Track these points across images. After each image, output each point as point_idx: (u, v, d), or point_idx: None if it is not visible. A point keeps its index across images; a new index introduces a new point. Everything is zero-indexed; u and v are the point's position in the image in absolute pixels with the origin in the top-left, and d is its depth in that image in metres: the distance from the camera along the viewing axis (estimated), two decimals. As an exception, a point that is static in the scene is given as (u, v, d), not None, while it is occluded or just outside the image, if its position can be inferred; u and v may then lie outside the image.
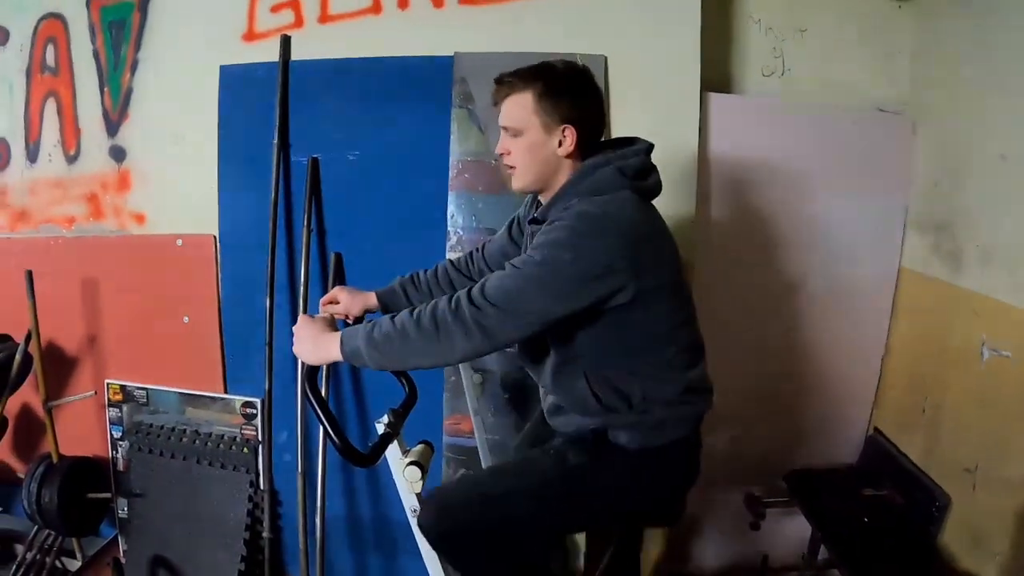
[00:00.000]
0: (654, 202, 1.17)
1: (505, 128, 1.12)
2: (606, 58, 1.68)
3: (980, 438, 1.58)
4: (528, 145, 1.10)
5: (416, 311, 1.02)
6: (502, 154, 1.14)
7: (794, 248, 1.93)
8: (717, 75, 1.87)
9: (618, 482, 1.15)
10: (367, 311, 1.35)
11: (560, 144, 1.09)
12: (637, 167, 1.10)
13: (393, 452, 1.23)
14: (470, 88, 1.68)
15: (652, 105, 1.71)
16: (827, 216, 1.91)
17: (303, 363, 1.14)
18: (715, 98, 1.80)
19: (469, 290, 1.01)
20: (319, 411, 1.08)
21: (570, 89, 1.09)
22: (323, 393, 1.75)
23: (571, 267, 0.99)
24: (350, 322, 1.35)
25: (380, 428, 1.19)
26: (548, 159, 1.10)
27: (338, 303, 1.34)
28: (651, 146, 1.17)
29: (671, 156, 1.69)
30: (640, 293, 1.03)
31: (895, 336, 1.98)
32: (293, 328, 1.14)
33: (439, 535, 1.14)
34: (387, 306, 1.35)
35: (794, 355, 1.99)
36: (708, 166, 1.82)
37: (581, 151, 1.12)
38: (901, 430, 1.91)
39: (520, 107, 1.09)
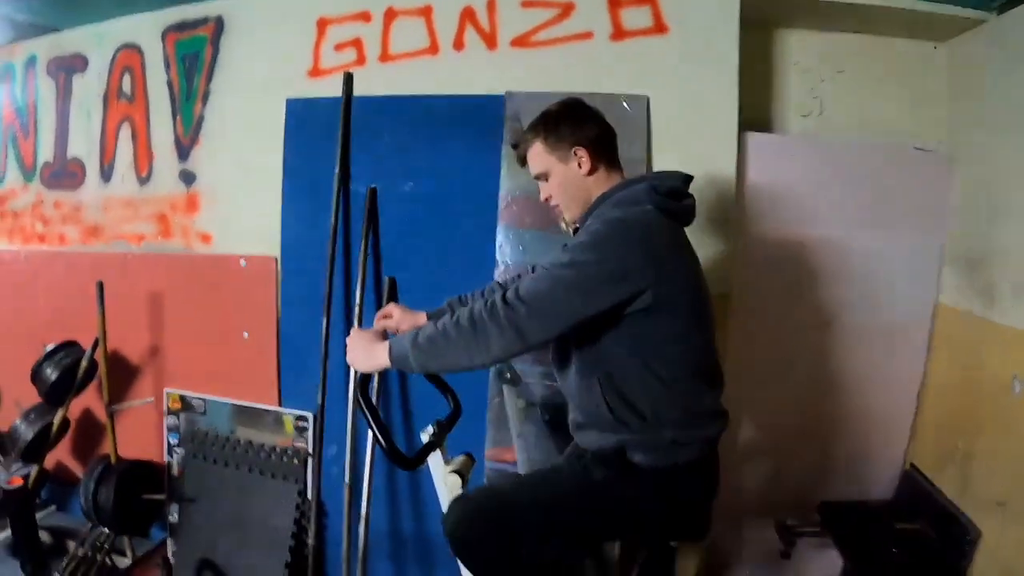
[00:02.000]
0: (689, 232, 1.29)
1: (537, 177, 1.30)
2: (648, 98, 1.82)
3: (1012, 471, 1.62)
4: (558, 181, 1.27)
5: (456, 315, 1.13)
6: (547, 200, 1.31)
7: (830, 282, 2.01)
8: (757, 115, 2.00)
9: (636, 498, 1.21)
10: (415, 328, 1.50)
11: (580, 166, 1.25)
12: (671, 188, 1.23)
13: (436, 461, 1.35)
14: (524, 126, 1.84)
15: (691, 143, 1.83)
16: (863, 251, 2.00)
17: (355, 372, 1.27)
18: (752, 137, 1.92)
19: (504, 292, 1.11)
20: (369, 416, 1.21)
21: (566, 119, 1.26)
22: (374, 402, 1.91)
23: (595, 267, 1.09)
24: None
25: (425, 437, 1.33)
26: (577, 183, 1.26)
27: (391, 317, 1.49)
28: (690, 177, 1.29)
29: (709, 192, 1.82)
30: (658, 302, 1.12)
31: (932, 372, 2.04)
32: (347, 339, 1.28)
33: (462, 541, 1.20)
34: None
35: (830, 389, 2.06)
36: (745, 202, 1.93)
37: (605, 166, 1.27)
38: (936, 465, 1.96)
39: (537, 155, 1.28)
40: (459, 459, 1.37)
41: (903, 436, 2.09)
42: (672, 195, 1.23)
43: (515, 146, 1.32)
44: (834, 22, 1.95)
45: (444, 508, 1.34)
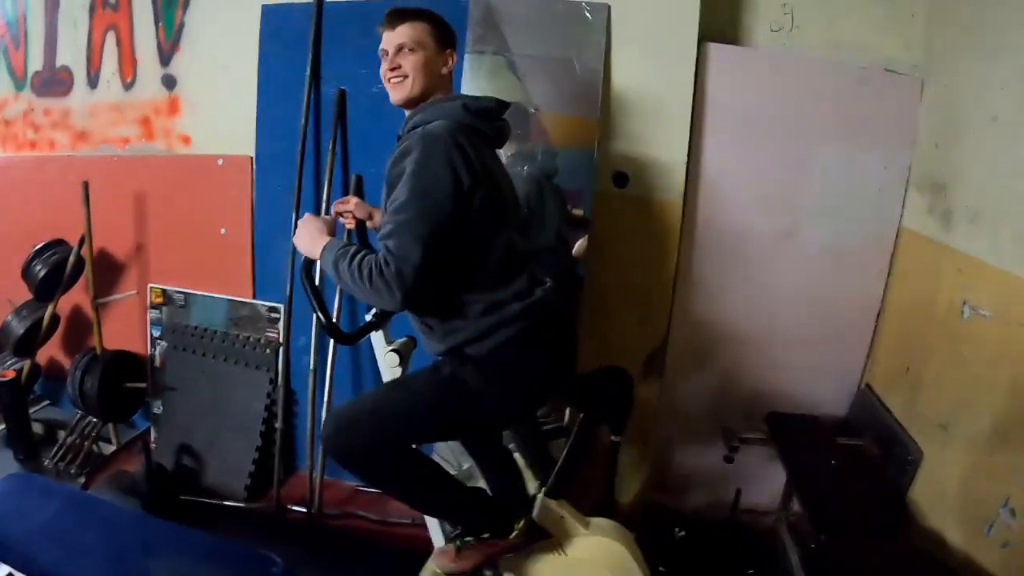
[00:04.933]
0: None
1: (402, 46, 1.45)
2: (609, 7, 2.00)
3: (955, 395, 1.77)
4: (425, 60, 1.45)
5: (365, 261, 1.29)
6: (395, 68, 1.45)
7: (790, 197, 2.19)
8: (726, 28, 2.15)
9: (482, 384, 1.42)
10: (370, 218, 1.72)
11: (445, 65, 1.48)
12: (481, 108, 1.44)
13: (378, 340, 1.63)
14: (505, 35, 2.05)
15: (650, 52, 2.02)
16: (828, 167, 2.16)
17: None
18: (714, 48, 2.08)
19: (385, 249, 1.28)
20: (310, 292, 1.46)
21: (449, 31, 1.51)
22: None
23: (428, 199, 1.28)
24: (350, 226, 1.75)
25: (368, 317, 1.59)
26: (436, 74, 1.47)
27: (347, 203, 1.73)
28: (506, 103, 1.52)
29: (664, 101, 2.02)
30: (479, 202, 1.32)
31: (891, 294, 2.21)
32: (299, 221, 1.50)
33: (338, 452, 1.41)
34: None
35: (786, 303, 2.25)
36: (704, 113, 2.11)
37: (450, 81, 1.50)
38: (888, 386, 2.15)
39: (421, 31, 1.46)
40: (400, 340, 1.63)
41: (860, 356, 2.29)
42: (482, 115, 1.44)
43: (398, 13, 1.47)
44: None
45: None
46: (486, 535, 1.57)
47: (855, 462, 2.00)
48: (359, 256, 1.32)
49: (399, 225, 1.29)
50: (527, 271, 1.47)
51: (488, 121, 1.46)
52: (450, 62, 1.49)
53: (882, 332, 2.25)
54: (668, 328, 2.24)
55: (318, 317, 1.45)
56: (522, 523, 1.60)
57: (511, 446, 1.91)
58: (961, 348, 1.78)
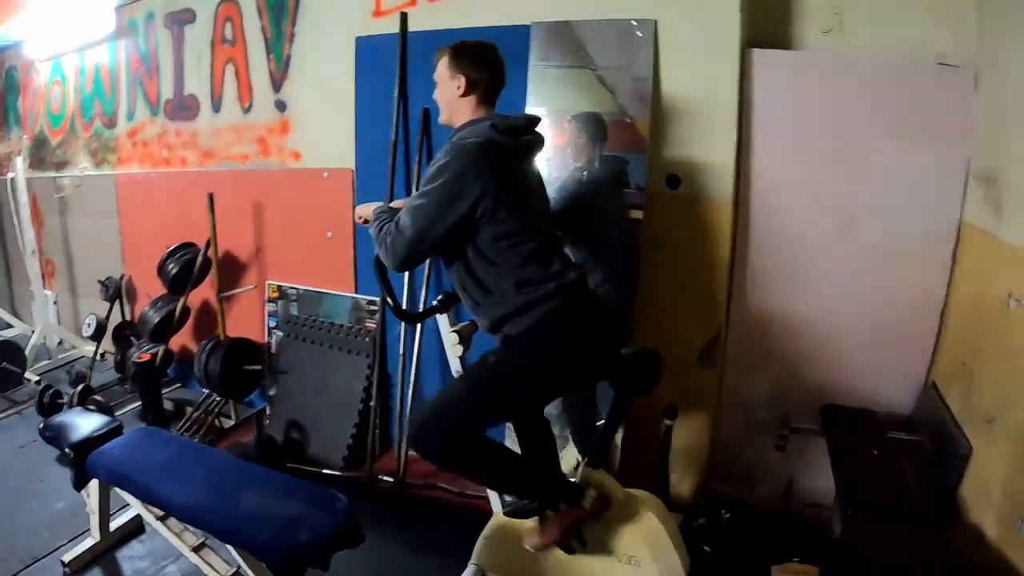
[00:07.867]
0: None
1: (436, 80, 1.83)
2: (656, 22, 2.33)
3: (1002, 388, 1.78)
4: (441, 89, 1.81)
5: (386, 228, 1.69)
6: (436, 99, 1.84)
7: (846, 194, 2.33)
8: (775, 33, 2.37)
9: (522, 363, 1.71)
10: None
11: (458, 88, 1.76)
12: (508, 125, 1.72)
13: (443, 322, 1.99)
14: (563, 52, 2.46)
15: (695, 61, 2.32)
16: (883, 166, 2.28)
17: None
18: (758, 54, 2.32)
19: (395, 223, 1.66)
20: (379, 278, 1.85)
21: (469, 54, 1.77)
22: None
23: (438, 192, 1.62)
24: None
25: (434, 302, 1.98)
26: (450, 99, 1.79)
27: None
28: (535, 118, 1.85)
29: (710, 106, 2.32)
30: (496, 207, 1.61)
31: (955, 290, 2.23)
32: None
33: (424, 451, 1.70)
34: None
35: (848, 299, 2.38)
36: (752, 116, 2.37)
37: (476, 99, 1.76)
38: (949, 383, 2.17)
39: (441, 65, 1.80)
40: (464, 324, 1.98)
41: (925, 353, 2.32)
42: (510, 131, 1.73)
43: (437, 51, 1.84)
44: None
45: (451, 364, 1.99)
46: (561, 506, 1.81)
47: (904, 455, 2.07)
48: (385, 220, 1.74)
49: (410, 207, 1.69)
50: (557, 259, 1.76)
51: (515, 136, 1.76)
52: (460, 86, 1.76)
53: (947, 328, 2.28)
54: (727, 321, 2.48)
55: (385, 300, 1.87)
56: (594, 491, 1.81)
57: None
58: (1008, 341, 1.81)
